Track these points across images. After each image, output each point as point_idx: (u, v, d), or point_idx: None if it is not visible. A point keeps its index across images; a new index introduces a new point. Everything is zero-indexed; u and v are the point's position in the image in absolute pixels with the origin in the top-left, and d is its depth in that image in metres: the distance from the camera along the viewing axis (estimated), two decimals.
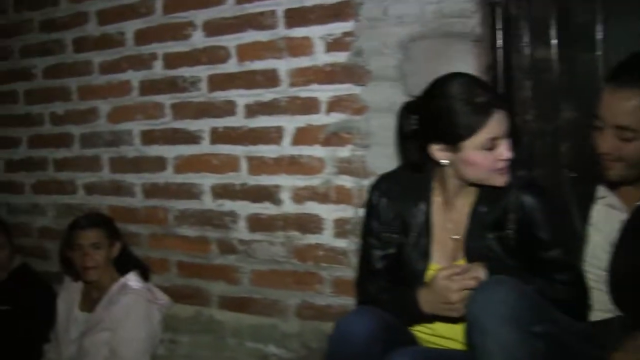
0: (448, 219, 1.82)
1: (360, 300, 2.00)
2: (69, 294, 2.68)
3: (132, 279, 2.58)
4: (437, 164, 1.76)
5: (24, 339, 2.65)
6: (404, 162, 1.91)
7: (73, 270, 2.63)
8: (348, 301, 2.38)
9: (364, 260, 1.96)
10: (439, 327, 1.80)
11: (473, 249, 1.76)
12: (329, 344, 1.73)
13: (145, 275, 2.67)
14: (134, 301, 2.50)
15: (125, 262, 2.65)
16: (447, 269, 1.69)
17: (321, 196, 2.42)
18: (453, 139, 1.67)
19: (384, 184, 1.90)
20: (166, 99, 2.72)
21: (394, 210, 1.86)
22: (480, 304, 1.52)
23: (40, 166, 3.15)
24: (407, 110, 1.82)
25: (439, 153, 1.72)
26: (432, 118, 1.71)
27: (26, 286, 2.80)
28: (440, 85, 1.72)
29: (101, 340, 2.48)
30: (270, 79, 2.48)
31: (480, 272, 1.64)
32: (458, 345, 1.75)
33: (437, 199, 1.84)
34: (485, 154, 1.66)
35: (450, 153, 1.70)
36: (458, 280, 1.63)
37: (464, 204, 1.80)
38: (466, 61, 2.09)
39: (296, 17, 2.41)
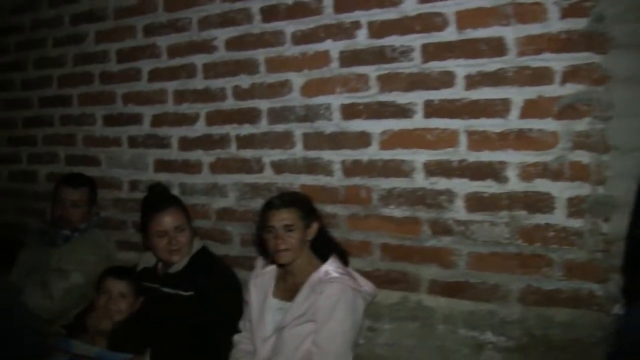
0: None
1: (624, 288, 2.06)
2: (263, 280, 2.68)
3: (333, 266, 2.54)
4: None
5: (210, 327, 2.66)
6: None
7: (268, 253, 2.64)
8: (581, 285, 2.40)
9: (631, 249, 2.00)
10: None
11: None
12: (619, 333, 1.81)
13: (344, 260, 2.65)
14: (340, 291, 2.46)
15: (323, 245, 2.64)
16: None
17: (553, 173, 2.42)
18: None
19: None
20: (371, 71, 2.74)
21: None
22: None
23: (221, 144, 3.18)
24: None
25: None
26: None
27: (209, 271, 2.82)
28: None
29: (305, 332, 2.47)
30: (495, 47, 2.48)
31: None
32: None
33: None
34: None
35: None
36: None
37: None
38: None
39: None
